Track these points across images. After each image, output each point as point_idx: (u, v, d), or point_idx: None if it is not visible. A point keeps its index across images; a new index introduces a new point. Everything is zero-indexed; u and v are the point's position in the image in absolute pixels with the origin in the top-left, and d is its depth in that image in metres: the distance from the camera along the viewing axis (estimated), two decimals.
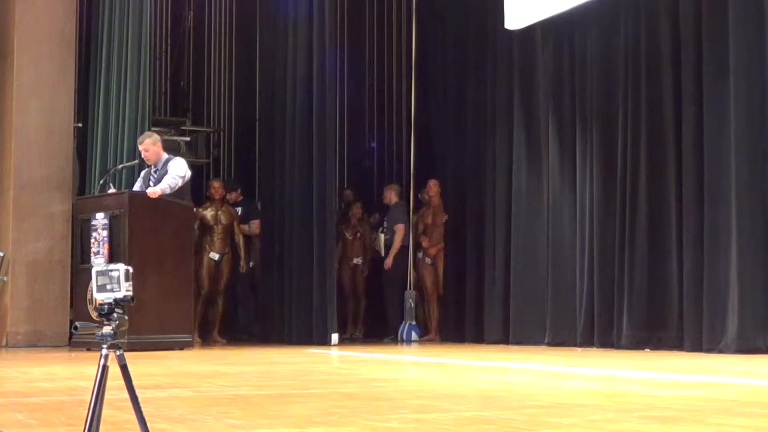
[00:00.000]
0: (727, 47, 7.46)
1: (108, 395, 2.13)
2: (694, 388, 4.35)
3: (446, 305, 10.68)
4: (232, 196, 10.82)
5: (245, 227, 10.62)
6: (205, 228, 10.00)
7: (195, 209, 9.21)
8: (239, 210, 10.65)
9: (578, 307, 8.70)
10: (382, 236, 11.34)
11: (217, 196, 10.13)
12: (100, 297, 2.14)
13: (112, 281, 2.13)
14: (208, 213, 10.04)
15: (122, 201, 7.90)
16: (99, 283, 2.15)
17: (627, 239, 8.23)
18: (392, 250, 11.02)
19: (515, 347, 9.03)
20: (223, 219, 10.08)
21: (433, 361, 6.82)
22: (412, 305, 10.71)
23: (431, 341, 10.55)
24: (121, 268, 2.13)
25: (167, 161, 8.37)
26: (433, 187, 10.86)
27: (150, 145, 8.36)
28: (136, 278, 2.16)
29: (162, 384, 4.50)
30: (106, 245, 7.80)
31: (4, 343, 8.70)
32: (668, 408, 3.44)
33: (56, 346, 8.69)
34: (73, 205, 8.92)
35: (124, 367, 2.14)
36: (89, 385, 2.19)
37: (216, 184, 10.30)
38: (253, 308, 11.18)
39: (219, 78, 12.64)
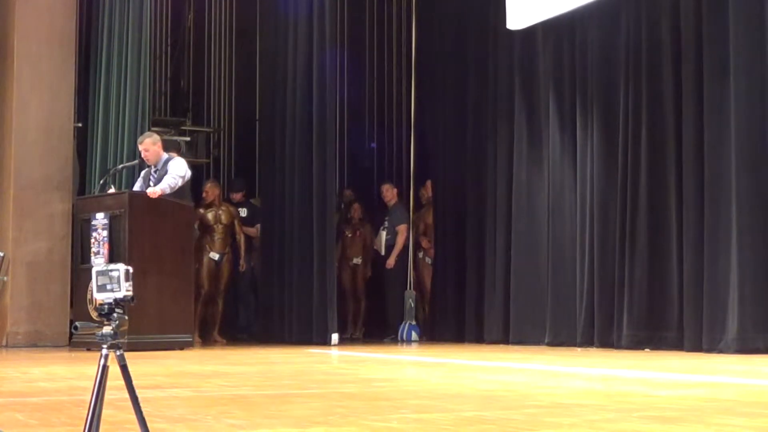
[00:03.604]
0: (727, 47, 7.46)
1: (108, 395, 2.13)
2: (694, 388, 4.35)
3: (446, 305, 10.67)
4: (237, 197, 10.81)
5: (252, 229, 10.62)
6: (205, 228, 9.99)
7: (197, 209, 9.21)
8: (245, 211, 10.64)
9: (578, 307, 8.70)
10: (383, 234, 11.33)
11: (209, 199, 10.08)
12: (100, 297, 2.15)
13: (112, 281, 2.13)
14: (209, 213, 10.04)
15: (122, 201, 7.90)
16: (99, 283, 2.15)
17: (627, 239, 8.23)
18: (395, 250, 11.03)
19: (515, 347, 9.03)
20: (223, 219, 10.07)
21: (433, 361, 6.82)
22: (412, 305, 10.71)
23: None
24: (121, 268, 2.13)
25: (167, 161, 8.37)
26: (430, 187, 10.90)
27: (150, 145, 8.36)
28: (136, 278, 2.16)
29: (162, 384, 4.50)
30: (106, 245, 7.80)
31: (4, 343, 8.70)
32: (668, 408, 3.44)
33: (56, 346, 8.68)
34: (73, 205, 8.91)
35: (124, 367, 2.14)
36: (89, 385, 2.19)
37: (207, 186, 10.23)
38: (253, 308, 11.18)
39: (219, 78, 12.62)
